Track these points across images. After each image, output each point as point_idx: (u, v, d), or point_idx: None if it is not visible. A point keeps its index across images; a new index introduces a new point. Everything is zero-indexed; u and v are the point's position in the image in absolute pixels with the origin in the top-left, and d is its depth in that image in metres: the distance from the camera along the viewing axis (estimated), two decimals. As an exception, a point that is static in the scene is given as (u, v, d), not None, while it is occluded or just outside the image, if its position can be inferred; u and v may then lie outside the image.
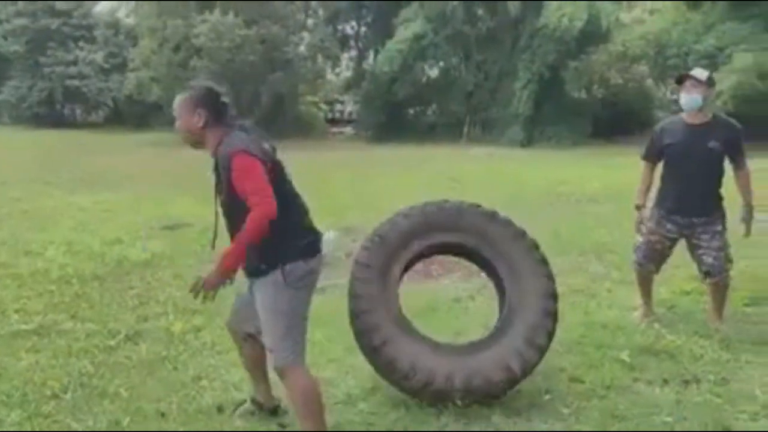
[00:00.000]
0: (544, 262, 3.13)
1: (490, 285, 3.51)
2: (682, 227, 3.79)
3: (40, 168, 13.13)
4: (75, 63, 28.48)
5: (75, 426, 2.84)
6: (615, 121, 21.49)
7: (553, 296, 3.07)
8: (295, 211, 2.50)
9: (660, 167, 3.93)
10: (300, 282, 2.44)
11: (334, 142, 25.46)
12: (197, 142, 2.51)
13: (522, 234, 3.17)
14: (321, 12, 29.37)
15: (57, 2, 28.85)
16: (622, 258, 5.06)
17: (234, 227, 2.40)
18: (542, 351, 2.97)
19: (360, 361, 3.11)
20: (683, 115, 3.80)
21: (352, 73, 32.77)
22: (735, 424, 2.79)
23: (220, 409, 2.96)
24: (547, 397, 3.03)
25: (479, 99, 24.43)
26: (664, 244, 3.86)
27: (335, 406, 2.96)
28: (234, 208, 2.37)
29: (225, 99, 2.53)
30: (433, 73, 26.44)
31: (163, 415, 2.93)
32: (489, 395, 2.88)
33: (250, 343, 2.73)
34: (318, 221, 2.63)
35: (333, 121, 31.60)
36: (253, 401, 2.89)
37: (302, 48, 25.24)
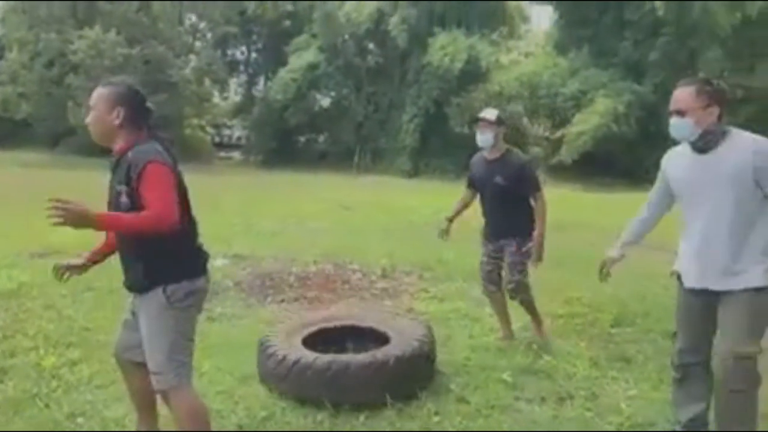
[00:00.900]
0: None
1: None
2: (497, 249, 4.17)
3: None
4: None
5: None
6: (494, 156, 22.77)
7: None
8: (191, 229, 2.48)
9: None
10: (184, 301, 2.40)
11: (222, 166, 24.83)
12: (105, 140, 2.43)
13: None
14: (209, 35, 28.86)
15: None
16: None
17: (123, 235, 2.39)
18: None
19: (252, 390, 3.05)
20: (484, 152, 4.21)
21: (242, 98, 32.41)
22: (603, 436, 3.04)
23: (99, 448, 2.78)
24: (436, 419, 3.13)
25: (369, 129, 25.05)
26: (492, 265, 4.23)
27: (226, 438, 2.88)
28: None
29: (149, 105, 2.48)
30: (325, 102, 26.85)
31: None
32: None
33: (139, 374, 2.59)
34: (207, 248, 2.58)
35: (220, 146, 31.03)
36: (137, 437, 2.74)
37: (187, 71, 24.61)
